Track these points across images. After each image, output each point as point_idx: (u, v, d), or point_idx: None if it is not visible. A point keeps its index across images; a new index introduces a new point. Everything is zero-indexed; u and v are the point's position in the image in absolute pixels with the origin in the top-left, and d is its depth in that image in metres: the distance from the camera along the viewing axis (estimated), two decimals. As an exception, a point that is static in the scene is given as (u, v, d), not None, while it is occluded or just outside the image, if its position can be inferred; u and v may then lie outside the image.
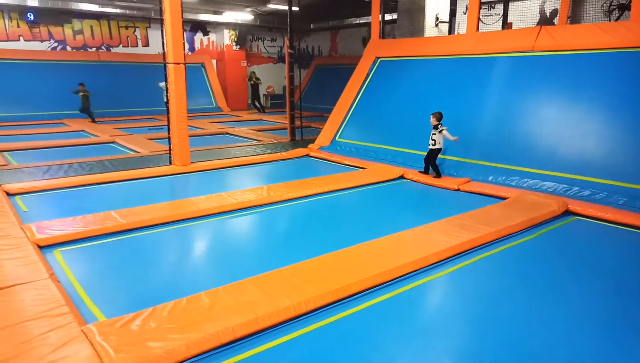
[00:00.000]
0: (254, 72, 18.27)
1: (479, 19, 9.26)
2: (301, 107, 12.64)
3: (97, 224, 5.29)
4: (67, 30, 16.13)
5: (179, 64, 7.99)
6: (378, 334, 3.33)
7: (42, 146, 10.45)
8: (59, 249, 4.79)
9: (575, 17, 11.00)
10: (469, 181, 7.35)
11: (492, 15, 12.98)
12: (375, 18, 11.02)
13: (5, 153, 9.62)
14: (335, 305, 3.69)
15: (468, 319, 3.57)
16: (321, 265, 4.24)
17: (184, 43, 8.10)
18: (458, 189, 7.18)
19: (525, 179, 6.99)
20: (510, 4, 12.14)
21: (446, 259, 4.57)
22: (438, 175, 7.65)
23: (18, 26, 15.24)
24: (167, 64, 8.04)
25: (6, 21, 15.04)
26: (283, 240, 5.40)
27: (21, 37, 15.39)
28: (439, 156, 7.78)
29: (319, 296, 3.65)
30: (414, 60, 9.81)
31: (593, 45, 7.26)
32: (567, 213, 6.03)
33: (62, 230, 5.07)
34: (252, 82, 17.94)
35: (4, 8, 14.70)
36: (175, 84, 8.04)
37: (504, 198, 6.60)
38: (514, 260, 4.68)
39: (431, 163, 7.72)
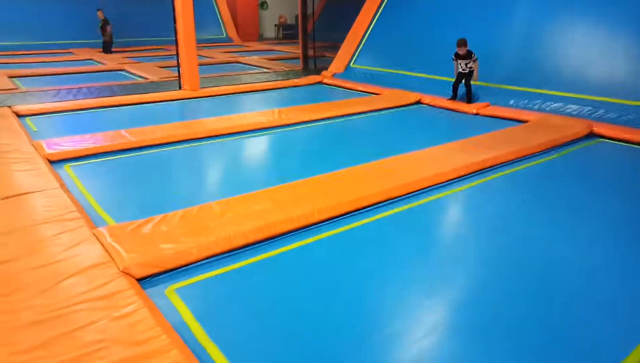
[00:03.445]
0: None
1: None
2: (314, 38, 12.04)
3: (107, 141, 5.21)
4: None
5: (186, -18, 7.57)
6: (391, 240, 3.27)
7: (50, 73, 10.26)
8: (70, 164, 4.74)
9: None
10: (488, 106, 7.06)
11: None
12: None
13: (13, 79, 9.46)
14: (348, 215, 3.61)
15: (484, 232, 3.47)
16: (334, 179, 4.14)
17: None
18: (477, 114, 6.91)
19: (548, 103, 6.67)
20: None
21: (464, 176, 4.42)
22: (469, 100, 7.23)
23: (20, -50, 14.56)
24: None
25: (7, -56, 14.36)
26: (295, 159, 5.30)
27: (24, -38, 14.74)
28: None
29: (331, 206, 3.57)
30: (434, -21, 9.19)
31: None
32: (592, 135, 5.78)
33: (72, 146, 5.01)
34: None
35: None
36: (182, 5, 7.65)
37: (525, 121, 6.34)
38: (534, 179, 4.52)
39: (467, 85, 7.18)
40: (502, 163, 4.77)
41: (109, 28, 13.77)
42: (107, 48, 13.98)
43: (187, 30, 7.80)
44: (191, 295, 2.67)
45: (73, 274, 2.65)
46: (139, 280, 2.74)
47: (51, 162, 4.68)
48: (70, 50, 14.38)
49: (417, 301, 2.62)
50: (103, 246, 2.95)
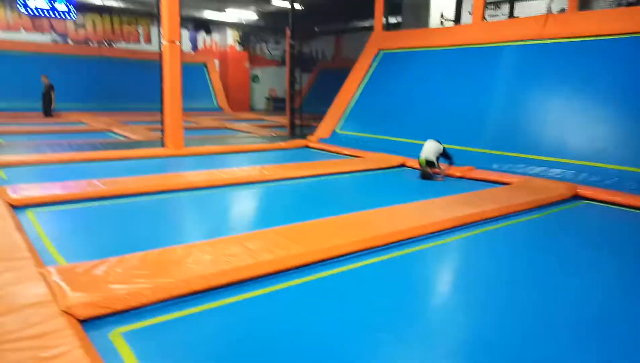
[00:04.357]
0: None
1: (484, 10, 9.03)
2: (301, 111, 12.28)
3: (77, 189, 5.00)
4: (70, 24, 16.02)
5: (173, 42, 7.76)
6: (364, 290, 3.02)
7: (34, 131, 10.21)
8: (33, 209, 4.49)
9: (582, 16, 10.79)
10: (472, 169, 7.04)
11: (498, 15, 12.83)
12: (378, 10, 10.83)
13: (-4, 135, 9.36)
14: (322, 263, 3.37)
15: (461, 283, 3.26)
16: (311, 227, 3.94)
17: (179, 21, 7.87)
18: (461, 177, 6.86)
19: (532, 167, 6.68)
20: (516, 3, 11.98)
21: (446, 229, 4.24)
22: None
23: (20, 17, 15.13)
24: (161, 43, 7.82)
25: (7, 11, 14.94)
26: (274, 212, 5.10)
27: (22, 28, 15.27)
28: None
29: (305, 253, 3.33)
30: (418, 51, 9.59)
31: (604, 30, 7.00)
32: (577, 197, 5.70)
33: (39, 193, 4.77)
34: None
35: (6, -2, 14.62)
36: (170, 63, 7.79)
37: (508, 184, 6.28)
38: (517, 236, 4.36)
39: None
40: (484, 219, 4.62)
41: (53, 94, 13.65)
42: (48, 111, 13.80)
43: (173, 88, 7.87)
44: (139, 339, 2.37)
45: (5, 312, 2.35)
46: (83, 321, 2.43)
47: (14, 207, 4.42)
48: (60, 113, 14.46)
49: (387, 349, 2.33)
50: (48, 284, 2.66)
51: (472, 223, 4.49)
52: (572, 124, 6.78)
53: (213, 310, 2.69)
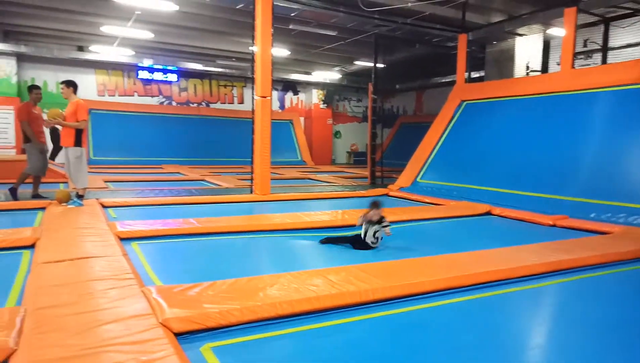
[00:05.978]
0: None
1: (574, 59, 8.76)
2: (382, 163, 12.35)
3: (175, 225, 5.43)
4: (174, 88, 17.91)
5: (265, 97, 8.36)
6: (451, 326, 2.92)
7: (138, 180, 11.28)
8: (137, 242, 4.92)
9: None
10: (566, 218, 6.62)
11: (590, 65, 12.34)
12: (461, 65, 10.92)
13: (107, 183, 10.47)
14: (406, 298, 3.32)
15: (556, 326, 3.04)
16: (394, 265, 3.92)
17: (272, 79, 8.49)
18: (554, 225, 6.47)
19: (635, 216, 6.14)
20: (609, 51, 11.50)
21: (537, 274, 4.00)
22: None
23: (134, 83, 17.21)
24: (254, 98, 8.45)
25: (125, 79, 17.06)
26: (357, 255, 5.11)
27: (136, 93, 17.30)
28: None
29: (388, 287, 3.32)
30: (502, 101, 9.45)
31: None
32: (691, 249, 5.12)
33: (142, 227, 5.25)
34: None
35: (124, 67, 16.75)
36: (261, 116, 8.38)
37: (608, 233, 5.81)
38: (620, 285, 3.98)
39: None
40: (580, 266, 4.29)
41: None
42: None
43: (263, 137, 8.39)
44: (227, 355, 2.48)
45: (112, 321, 2.59)
46: (178, 335, 2.60)
47: (121, 239, 4.88)
48: (161, 166, 15.88)
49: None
50: (148, 301, 2.90)
51: (566, 269, 4.19)
52: (682, 170, 6.22)
53: (296, 334, 2.75)
